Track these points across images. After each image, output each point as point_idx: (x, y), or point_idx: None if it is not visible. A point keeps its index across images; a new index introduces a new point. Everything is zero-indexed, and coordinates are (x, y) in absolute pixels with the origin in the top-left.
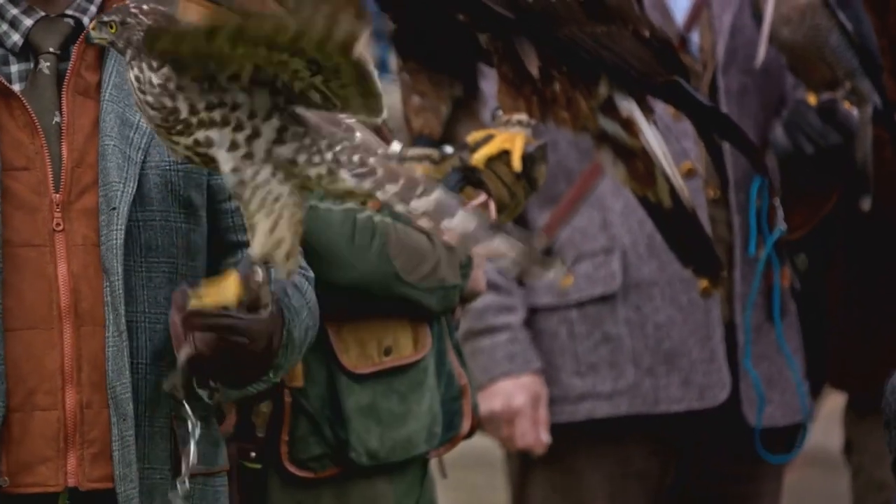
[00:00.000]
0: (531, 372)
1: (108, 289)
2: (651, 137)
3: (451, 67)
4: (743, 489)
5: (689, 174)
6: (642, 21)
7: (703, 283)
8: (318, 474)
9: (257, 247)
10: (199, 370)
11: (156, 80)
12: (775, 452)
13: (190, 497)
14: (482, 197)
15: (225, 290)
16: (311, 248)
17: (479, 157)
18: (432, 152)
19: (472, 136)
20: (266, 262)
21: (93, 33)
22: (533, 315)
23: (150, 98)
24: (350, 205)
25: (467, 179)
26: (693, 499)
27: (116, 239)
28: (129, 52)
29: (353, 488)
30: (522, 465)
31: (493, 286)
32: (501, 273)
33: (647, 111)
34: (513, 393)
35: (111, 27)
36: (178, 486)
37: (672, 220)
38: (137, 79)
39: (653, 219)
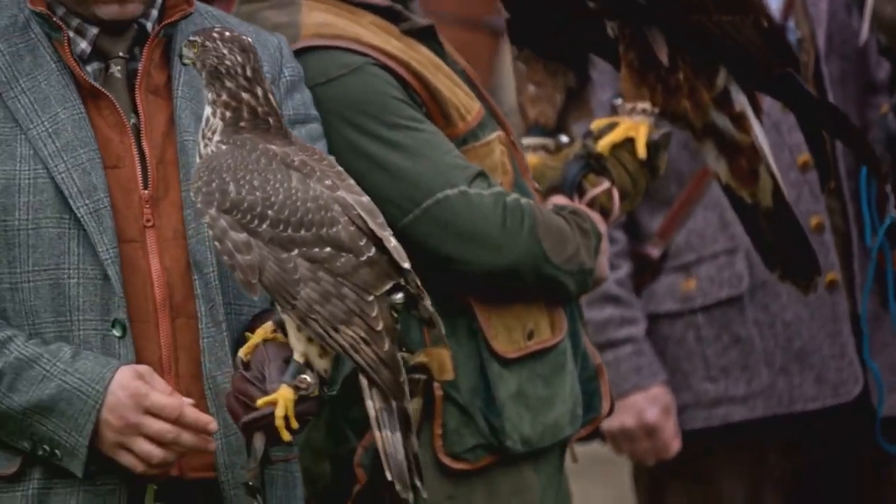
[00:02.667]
0: (659, 383)
1: (199, 281)
2: (760, 133)
3: (566, 56)
4: (885, 474)
5: (804, 167)
6: (762, 11)
7: (830, 275)
8: (473, 465)
9: (295, 349)
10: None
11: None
12: None
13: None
14: (606, 184)
15: (281, 404)
16: (464, 233)
17: (604, 144)
18: (548, 142)
19: (596, 124)
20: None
21: (184, 51)
22: (654, 322)
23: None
24: (498, 189)
25: (590, 167)
26: (834, 490)
27: (207, 231)
28: (203, 76)
29: (503, 478)
30: (654, 477)
31: (612, 298)
32: (621, 284)
33: (758, 107)
34: (644, 407)
35: (194, 47)
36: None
37: (770, 222)
38: (207, 120)
39: (743, 219)
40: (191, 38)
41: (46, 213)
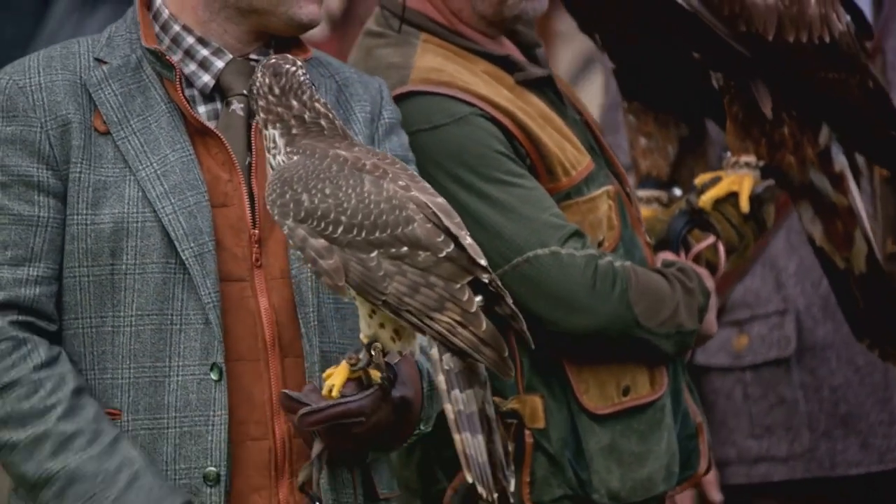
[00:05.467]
0: None
1: (303, 321)
2: (857, 196)
3: (677, 108)
4: None
5: None
6: (868, 72)
7: None
8: None
9: (362, 331)
10: (346, 458)
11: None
12: None
13: None
14: (711, 239)
15: (332, 379)
16: (552, 293)
17: (706, 199)
18: (661, 194)
19: (700, 178)
20: (374, 343)
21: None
22: (706, 374)
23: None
24: (592, 251)
25: (695, 222)
26: None
27: (310, 272)
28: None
29: None
30: None
31: None
32: None
33: (856, 169)
34: None
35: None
36: None
37: (862, 288)
38: (263, 133)
39: (834, 285)
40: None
41: (153, 257)
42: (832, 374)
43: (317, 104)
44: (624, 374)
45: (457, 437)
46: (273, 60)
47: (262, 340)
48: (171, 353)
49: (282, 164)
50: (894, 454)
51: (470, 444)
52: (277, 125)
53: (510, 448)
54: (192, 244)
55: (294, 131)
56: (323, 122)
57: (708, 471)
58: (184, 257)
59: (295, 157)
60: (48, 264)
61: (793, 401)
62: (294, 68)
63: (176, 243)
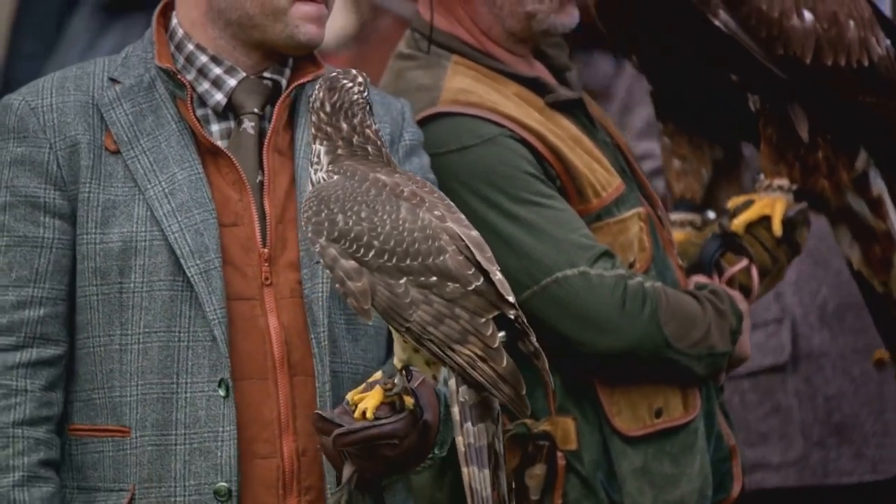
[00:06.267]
0: None
1: (314, 340)
2: (895, 220)
3: (713, 130)
4: None
5: None
6: None
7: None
8: None
9: (396, 355)
10: (363, 481)
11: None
12: None
13: None
14: (744, 262)
15: (366, 402)
16: (581, 314)
17: (738, 223)
18: (695, 218)
19: (733, 202)
20: (408, 368)
21: None
22: None
23: (315, 175)
24: (621, 271)
25: (728, 245)
26: None
27: (322, 292)
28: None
29: None
30: None
31: None
32: None
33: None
34: None
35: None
36: None
37: None
38: (311, 147)
39: (872, 308)
40: None
41: (160, 275)
42: (827, 383)
43: (367, 130)
44: (656, 395)
45: (464, 469)
46: (334, 74)
47: (271, 359)
48: (179, 370)
49: (322, 181)
50: (887, 464)
51: (476, 477)
52: (325, 142)
53: (542, 472)
54: (198, 261)
55: (339, 151)
56: (369, 148)
57: (742, 493)
58: (189, 274)
59: (335, 177)
60: (53, 285)
61: (787, 408)
62: (351, 84)
63: (182, 261)
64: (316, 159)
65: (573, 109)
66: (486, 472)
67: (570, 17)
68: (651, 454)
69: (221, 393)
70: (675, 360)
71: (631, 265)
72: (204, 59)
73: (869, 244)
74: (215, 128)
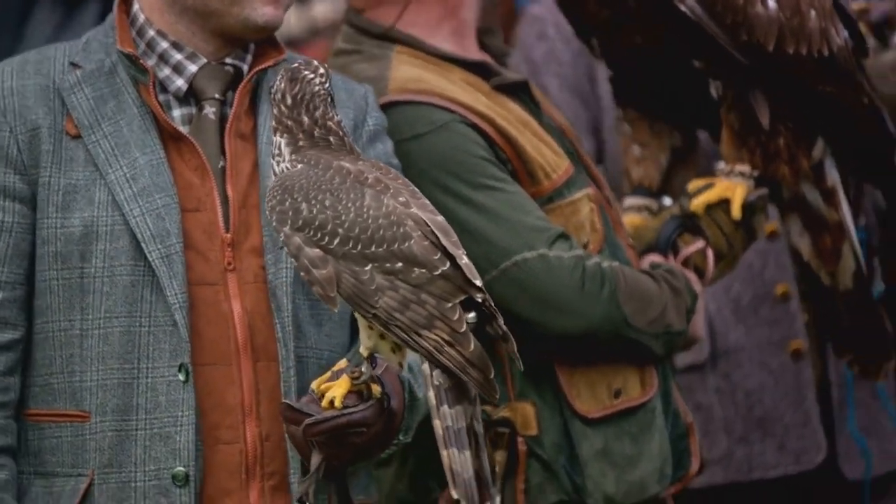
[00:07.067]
0: None
1: (279, 325)
2: (847, 211)
3: (672, 116)
4: None
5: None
6: (863, 87)
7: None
8: None
9: (363, 342)
10: (330, 468)
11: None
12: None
13: None
14: (700, 243)
15: (333, 391)
16: (541, 296)
17: (698, 203)
18: (651, 203)
19: (693, 184)
20: (373, 356)
21: None
22: None
23: (278, 167)
24: (579, 252)
25: (685, 226)
26: None
27: (286, 277)
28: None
29: None
30: None
31: None
32: None
33: (847, 184)
34: None
35: None
36: None
37: (847, 305)
38: (272, 139)
39: (817, 301)
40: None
41: (121, 260)
42: (746, 378)
43: (329, 122)
44: (615, 376)
45: (444, 452)
46: (295, 65)
47: (234, 344)
48: (140, 355)
49: (285, 171)
50: (809, 455)
51: (457, 460)
52: (285, 135)
53: (503, 459)
54: (160, 246)
55: (301, 143)
56: (331, 139)
57: (701, 470)
58: (151, 259)
59: (299, 166)
60: (12, 269)
61: (708, 406)
62: (313, 76)
63: (143, 245)
64: (277, 151)
65: (518, 93)
66: (467, 453)
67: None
68: (612, 435)
69: (181, 378)
70: (635, 339)
71: (585, 246)
72: (165, 44)
73: (819, 234)
74: (177, 113)
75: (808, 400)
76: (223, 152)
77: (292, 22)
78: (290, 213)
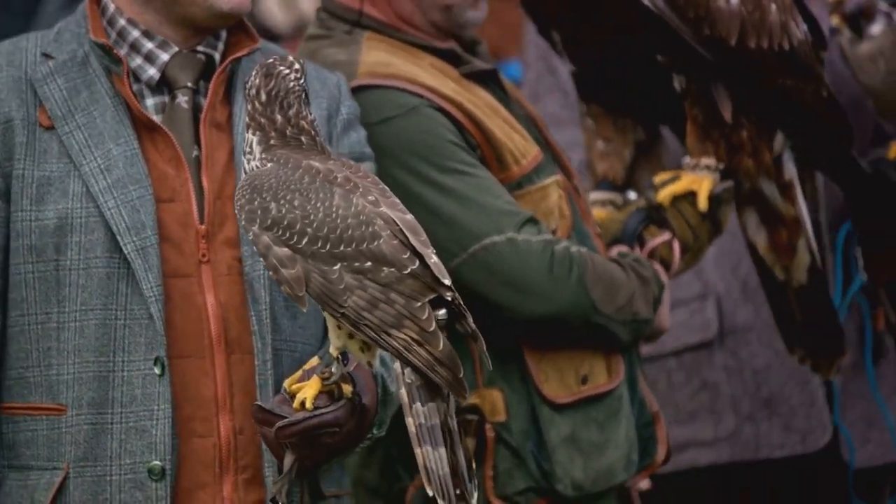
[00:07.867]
0: None
1: (254, 317)
2: (804, 206)
3: (635, 111)
4: None
5: None
6: (823, 81)
7: None
8: None
9: (332, 342)
10: (303, 468)
11: (258, 154)
12: (874, 493)
13: None
14: (666, 235)
15: (304, 392)
16: (510, 279)
17: (664, 195)
18: (616, 197)
19: (659, 176)
20: (344, 353)
21: None
22: None
23: (248, 165)
24: (548, 236)
25: (651, 218)
26: None
27: (263, 269)
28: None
29: None
30: None
31: None
32: None
33: (804, 179)
34: None
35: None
36: None
37: (800, 299)
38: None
39: (770, 294)
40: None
41: (97, 252)
42: (754, 357)
43: (302, 121)
44: (582, 362)
45: (418, 450)
46: (270, 60)
47: (208, 337)
48: (116, 348)
49: (255, 169)
50: (815, 436)
51: (431, 457)
52: (258, 133)
53: (471, 446)
54: (135, 238)
55: (272, 142)
56: (303, 138)
57: (668, 459)
58: (126, 251)
59: (269, 165)
60: None
61: (715, 384)
62: (288, 71)
63: (118, 238)
64: (248, 149)
65: (487, 81)
66: (442, 450)
67: (482, 11)
68: (579, 421)
69: (157, 371)
70: (602, 324)
71: (553, 232)
72: (136, 34)
73: (775, 229)
74: (149, 102)
75: (814, 381)
76: (197, 142)
77: (279, 17)
78: (259, 212)
